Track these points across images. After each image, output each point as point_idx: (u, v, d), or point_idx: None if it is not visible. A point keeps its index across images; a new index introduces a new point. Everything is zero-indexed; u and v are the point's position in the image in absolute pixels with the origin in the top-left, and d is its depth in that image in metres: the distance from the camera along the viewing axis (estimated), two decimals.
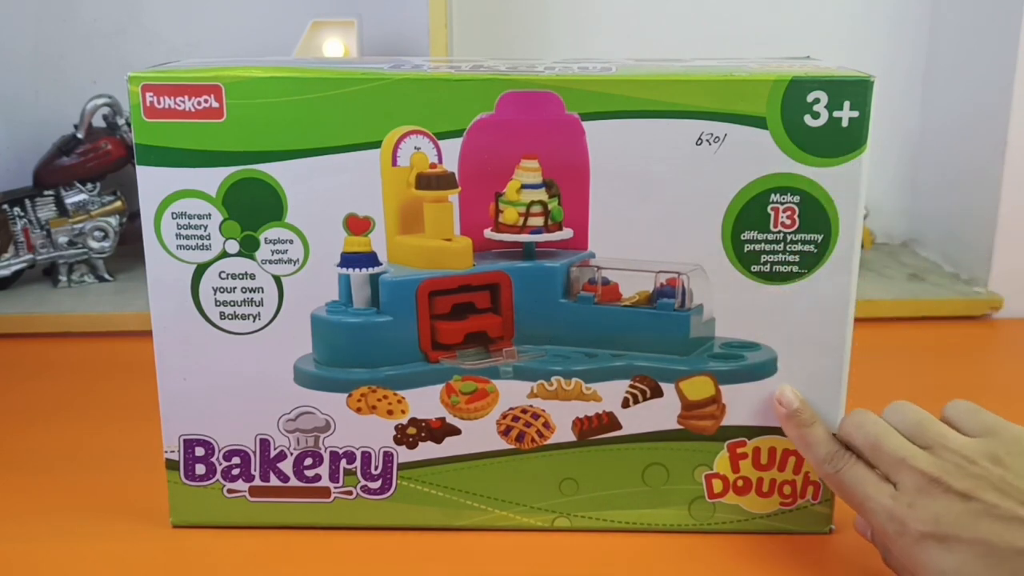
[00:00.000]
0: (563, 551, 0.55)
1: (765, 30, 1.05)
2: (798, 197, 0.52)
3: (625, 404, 0.55)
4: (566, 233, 0.53)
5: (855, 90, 0.50)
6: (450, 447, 0.55)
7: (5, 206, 0.93)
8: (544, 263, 0.54)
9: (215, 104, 0.51)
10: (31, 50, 0.99)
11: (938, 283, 0.96)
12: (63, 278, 0.95)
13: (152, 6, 0.99)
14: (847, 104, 0.50)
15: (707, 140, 0.51)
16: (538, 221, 0.52)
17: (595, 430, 0.55)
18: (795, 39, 1.05)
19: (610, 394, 0.55)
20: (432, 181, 0.52)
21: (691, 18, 1.04)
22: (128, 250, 0.99)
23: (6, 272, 0.93)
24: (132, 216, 0.98)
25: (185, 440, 0.55)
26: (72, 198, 0.94)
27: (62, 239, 0.94)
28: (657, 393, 0.55)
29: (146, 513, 0.59)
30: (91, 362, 0.82)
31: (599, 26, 1.05)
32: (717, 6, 1.04)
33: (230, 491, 0.56)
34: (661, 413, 0.55)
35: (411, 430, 0.55)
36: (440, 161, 0.51)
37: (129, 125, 0.95)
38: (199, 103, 0.51)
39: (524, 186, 0.52)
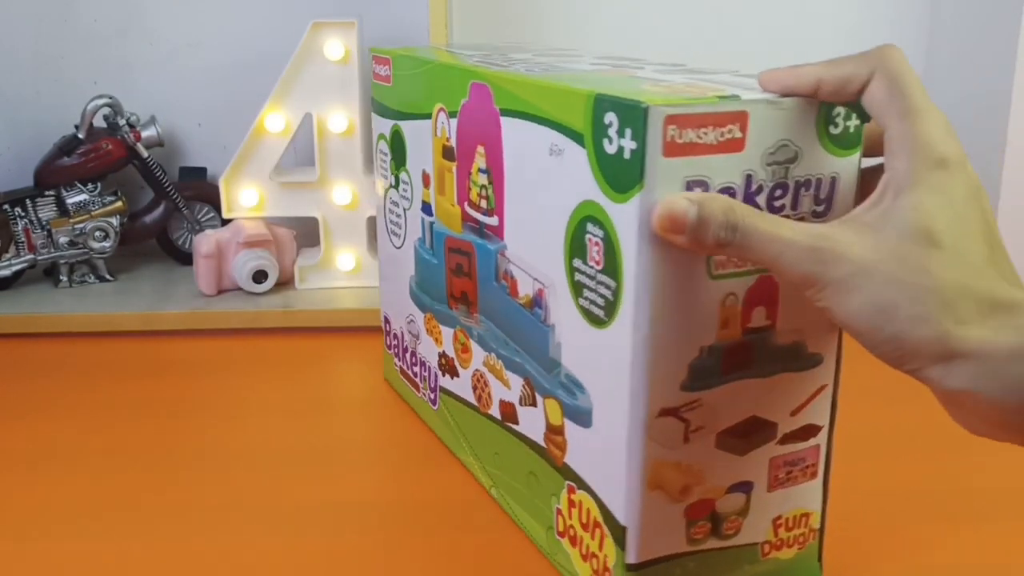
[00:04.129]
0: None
1: (765, 30, 1.05)
2: (603, 232, 0.44)
3: (520, 401, 0.54)
4: (494, 220, 0.55)
5: (632, 116, 0.41)
6: (454, 386, 0.63)
7: (6, 206, 0.93)
8: (487, 243, 0.56)
9: (386, 71, 0.68)
10: (32, 50, 1.00)
11: None
12: (64, 278, 0.95)
13: (152, 6, 0.99)
14: (629, 132, 0.41)
15: (555, 151, 0.47)
16: (484, 204, 0.55)
17: (507, 416, 0.56)
18: (794, 39, 1.05)
19: (515, 387, 0.55)
20: (445, 152, 0.60)
21: (690, 18, 1.04)
22: (129, 250, 0.99)
23: (7, 272, 0.93)
24: (133, 216, 0.99)
25: (384, 316, 0.76)
26: (73, 198, 0.94)
27: (63, 239, 0.94)
28: (533, 401, 0.53)
29: (146, 514, 0.59)
30: (91, 362, 0.83)
31: (599, 26, 1.05)
32: (717, 5, 1.04)
33: (397, 363, 0.75)
34: (536, 424, 0.53)
35: (443, 360, 0.65)
36: (451, 136, 0.59)
37: (130, 125, 0.96)
38: (382, 70, 0.69)
39: (479, 170, 0.55)
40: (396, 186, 0.69)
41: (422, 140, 0.63)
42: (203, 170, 1.01)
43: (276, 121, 0.91)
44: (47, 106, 1.00)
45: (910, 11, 1.06)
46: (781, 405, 0.47)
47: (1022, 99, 0.90)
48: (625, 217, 0.42)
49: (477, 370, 0.60)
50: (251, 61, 1.00)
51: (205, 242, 0.91)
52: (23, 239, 0.94)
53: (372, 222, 0.93)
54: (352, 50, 0.90)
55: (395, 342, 0.74)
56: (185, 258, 1.00)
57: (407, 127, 0.65)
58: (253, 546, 0.56)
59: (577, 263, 0.46)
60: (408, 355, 0.72)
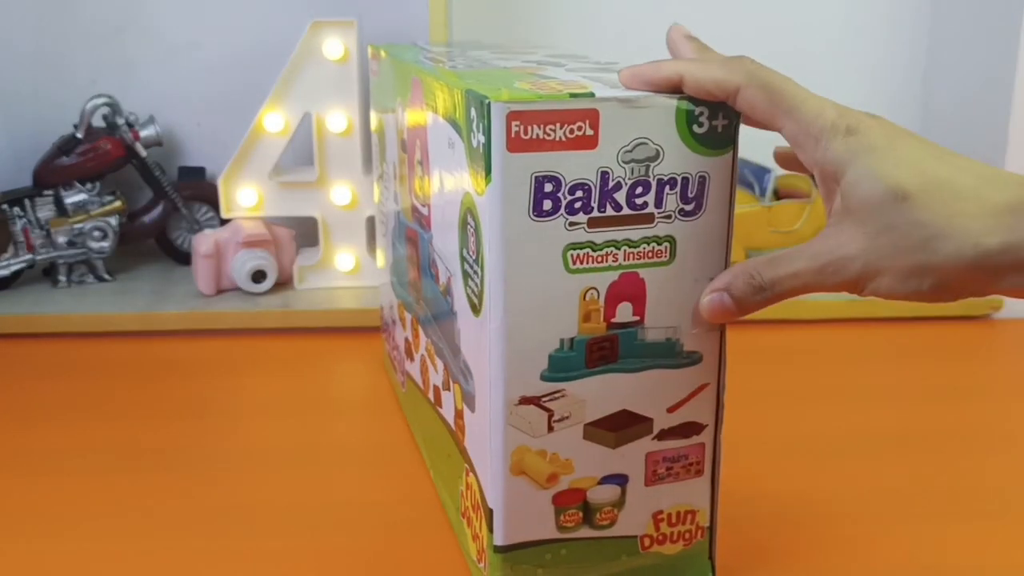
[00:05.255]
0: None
1: (765, 30, 1.05)
2: (474, 223, 0.45)
3: (443, 386, 0.55)
4: (426, 211, 0.56)
5: (482, 111, 0.42)
6: (412, 369, 0.65)
7: (5, 206, 0.93)
8: (423, 233, 0.57)
9: (376, 67, 0.70)
10: (31, 49, 0.99)
11: None
12: (63, 278, 0.95)
13: (152, 6, 0.99)
14: (482, 127, 0.42)
15: (450, 144, 0.48)
16: (422, 195, 0.57)
17: (436, 400, 0.57)
18: (795, 39, 1.05)
19: (440, 371, 0.56)
20: (401, 144, 0.62)
21: (690, 18, 1.04)
22: (128, 250, 0.99)
23: (6, 272, 0.93)
24: (132, 216, 0.98)
25: (381, 304, 0.79)
26: (72, 198, 0.94)
27: (62, 239, 0.94)
28: (448, 386, 0.54)
29: (145, 514, 0.59)
30: (91, 362, 0.82)
31: (599, 25, 1.05)
32: (717, 5, 1.04)
33: (387, 348, 0.78)
34: (450, 408, 0.54)
35: (406, 344, 0.67)
36: (404, 129, 0.61)
37: (129, 125, 0.96)
38: (375, 66, 0.71)
39: (417, 161, 0.57)
40: (382, 177, 0.71)
41: (392, 133, 0.65)
42: (202, 170, 1.01)
43: (275, 121, 0.91)
44: (46, 105, 1.00)
45: (910, 11, 1.06)
46: (655, 401, 0.47)
47: (1023, 99, 0.90)
48: (483, 208, 0.43)
49: (422, 354, 0.61)
50: (250, 60, 0.99)
51: (204, 242, 0.91)
52: (22, 239, 0.93)
53: (371, 222, 0.93)
54: (351, 49, 0.90)
55: (385, 328, 0.77)
56: (184, 258, 1.00)
57: (386, 120, 0.68)
58: (252, 546, 0.55)
59: (464, 252, 0.48)
60: (390, 339, 0.74)
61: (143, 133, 0.96)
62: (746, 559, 0.54)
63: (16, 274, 0.94)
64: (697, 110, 0.43)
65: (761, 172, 0.95)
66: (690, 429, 0.48)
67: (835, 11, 1.06)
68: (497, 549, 0.48)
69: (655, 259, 0.44)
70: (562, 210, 0.43)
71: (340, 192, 0.92)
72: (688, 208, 0.44)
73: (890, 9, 1.06)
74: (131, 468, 0.64)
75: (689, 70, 0.43)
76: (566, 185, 0.42)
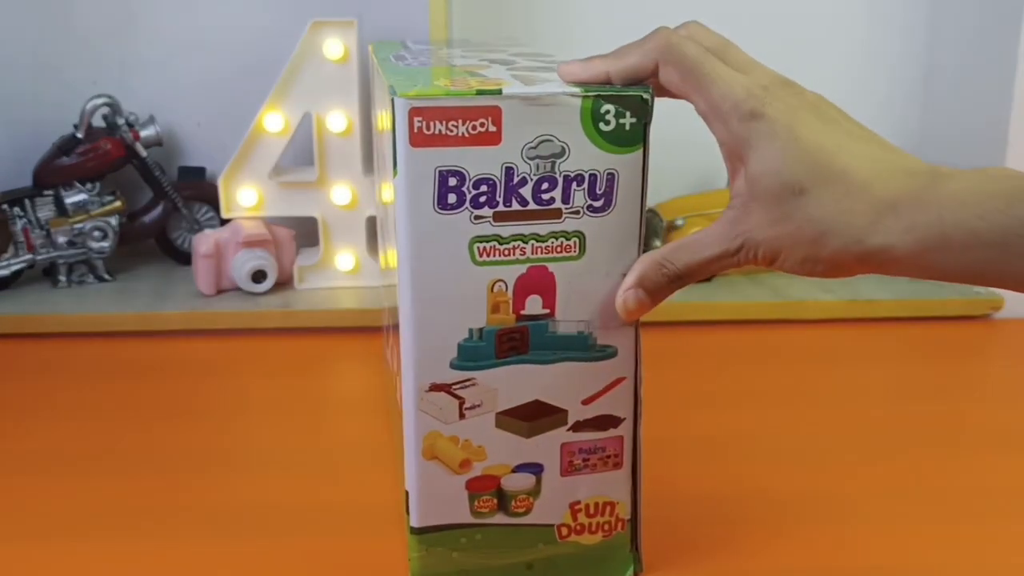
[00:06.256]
0: None
1: (764, 30, 1.05)
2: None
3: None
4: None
5: (391, 107, 0.44)
6: (389, 352, 0.64)
7: (5, 206, 0.93)
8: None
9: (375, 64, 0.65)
10: (31, 50, 0.99)
11: (939, 283, 0.96)
12: (63, 278, 0.95)
13: (152, 6, 0.99)
14: (392, 121, 0.44)
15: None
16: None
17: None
18: (794, 39, 1.05)
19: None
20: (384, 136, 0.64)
21: (689, 17, 1.04)
22: (127, 250, 0.99)
23: (6, 272, 0.93)
24: (132, 216, 0.98)
25: None
26: (72, 198, 0.94)
27: (62, 239, 0.94)
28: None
29: (145, 514, 0.59)
30: (90, 362, 0.82)
31: (598, 25, 1.05)
32: (716, 4, 1.04)
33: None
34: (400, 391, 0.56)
35: (385, 328, 0.66)
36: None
37: (129, 125, 0.95)
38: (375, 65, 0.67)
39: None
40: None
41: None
42: (202, 170, 1.01)
43: (275, 121, 0.91)
44: (46, 105, 1.00)
45: (910, 11, 1.06)
46: (569, 393, 0.48)
47: (1023, 101, 0.90)
48: (393, 202, 0.45)
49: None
50: (250, 60, 0.99)
51: (204, 242, 0.91)
52: (22, 239, 0.93)
53: (371, 222, 0.93)
54: (351, 49, 0.90)
55: (385, 328, 0.78)
56: (184, 258, 1.00)
57: (374, 115, 0.68)
58: (252, 545, 0.55)
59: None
60: (389, 339, 0.76)
61: (143, 133, 0.96)
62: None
63: (16, 274, 0.94)
64: (603, 108, 0.44)
65: None
66: (607, 422, 0.49)
67: (835, 11, 1.06)
68: (413, 531, 0.49)
69: (564, 253, 0.45)
70: (467, 204, 0.44)
71: (340, 192, 0.92)
72: (597, 204, 0.45)
73: (890, 10, 1.06)
74: (130, 468, 0.64)
75: (610, 63, 0.45)
76: (470, 180, 0.44)
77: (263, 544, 0.56)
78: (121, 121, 0.95)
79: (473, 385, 0.47)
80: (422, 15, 0.88)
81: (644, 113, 0.44)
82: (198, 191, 0.99)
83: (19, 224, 0.93)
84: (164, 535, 0.57)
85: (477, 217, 0.44)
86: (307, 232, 0.96)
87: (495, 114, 0.43)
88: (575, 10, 1.05)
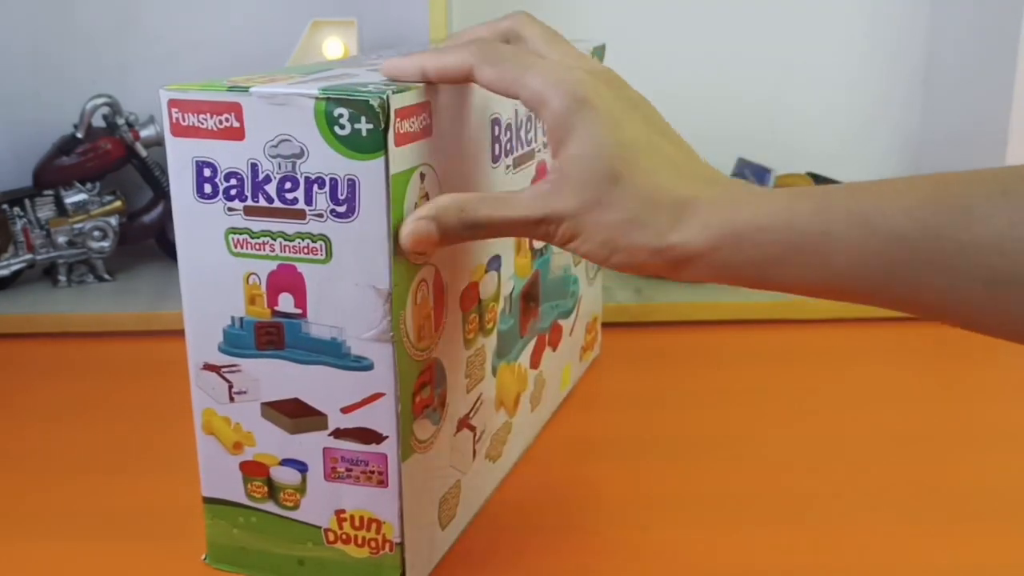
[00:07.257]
0: None
1: (762, 30, 1.05)
2: None
3: None
4: None
5: None
6: None
7: (5, 206, 0.93)
8: None
9: None
10: (30, 50, 0.99)
11: None
12: (63, 278, 0.95)
13: (152, 6, 0.99)
14: None
15: None
16: None
17: None
18: (793, 39, 1.05)
19: None
20: None
21: (689, 16, 1.04)
22: (127, 250, 0.99)
23: (6, 272, 0.93)
24: (132, 216, 0.98)
25: None
26: (72, 198, 0.94)
27: (62, 239, 0.94)
28: None
29: (144, 514, 0.59)
30: (91, 362, 0.82)
31: (598, 25, 1.05)
32: (714, 4, 1.04)
33: None
34: None
35: None
36: None
37: (129, 125, 0.95)
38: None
39: None
40: None
41: None
42: None
43: None
44: (46, 105, 1.00)
45: (910, 11, 1.06)
46: (327, 398, 0.48)
47: (1023, 100, 0.90)
48: None
49: None
50: (250, 60, 0.99)
51: None
52: (22, 239, 0.93)
53: None
54: (351, 49, 0.90)
55: None
56: None
57: None
58: None
59: None
60: None
61: (143, 133, 0.96)
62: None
63: (16, 274, 0.94)
64: (336, 112, 0.43)
65: (762, 172, 0.95)
66: (369, 436, 0.48)
67: (836, 11, 1.06)
68: (204, 499, 0.52)
69: (311, 255, 0.46)
70: (220, 195, 0.46)
71: None
72: (340, 210, 0.45)
73: (890, 10, 1.06)
74: (130, 468, 0.64)
75: (424, 63, 0.46)
76: (221, 172, 0.45)
77: None
78: (121, 121, 0.95)
79: (239, 371, 0.49)
80: (422, 15, 0.89)
81: (378, 120, 0.43)
82: None
83: (19, 224, 0.93)
84: (162, 533, 0.56)
85: (230, 209, 0.46)
86: None
87: (237, 110, 0.44)
88: (575, 10, 1.05)
